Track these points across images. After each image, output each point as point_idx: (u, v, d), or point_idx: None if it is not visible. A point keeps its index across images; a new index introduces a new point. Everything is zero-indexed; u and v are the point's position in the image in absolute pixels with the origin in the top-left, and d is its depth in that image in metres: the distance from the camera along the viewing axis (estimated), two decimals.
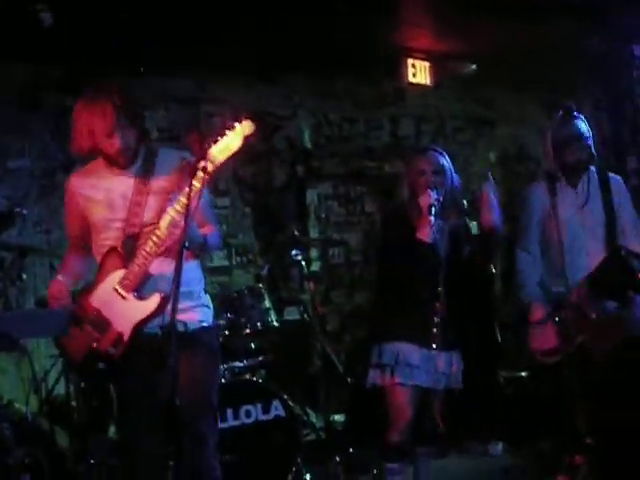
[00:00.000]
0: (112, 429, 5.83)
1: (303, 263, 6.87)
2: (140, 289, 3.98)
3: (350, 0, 6.75)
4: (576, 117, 4.97)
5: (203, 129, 7.61)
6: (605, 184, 4.98)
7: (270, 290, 6.55)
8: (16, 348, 5.48)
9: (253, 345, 6.13)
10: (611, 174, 5.10)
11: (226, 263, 7.88)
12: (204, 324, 4.21)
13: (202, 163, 3.73)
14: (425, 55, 8.50)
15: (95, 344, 3.97)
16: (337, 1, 6.67)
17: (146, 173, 4.08)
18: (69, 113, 6.76)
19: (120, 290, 3.97)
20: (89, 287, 4.12)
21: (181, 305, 3.66)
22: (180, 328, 3.96)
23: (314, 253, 8.64)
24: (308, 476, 5.81)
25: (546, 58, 7.96)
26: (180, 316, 3.83)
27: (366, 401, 6.58)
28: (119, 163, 4.10)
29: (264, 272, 6.74)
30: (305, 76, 8.59)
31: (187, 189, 3.73)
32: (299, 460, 5.75)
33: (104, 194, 4.11)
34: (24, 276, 6.22)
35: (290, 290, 8.09)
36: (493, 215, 4.75)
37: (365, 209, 9.17)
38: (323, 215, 8.86)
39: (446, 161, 5.04)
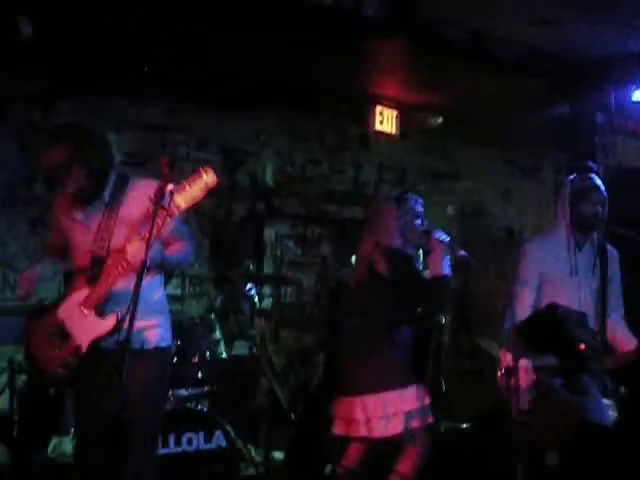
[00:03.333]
0: (52, 446, 5.78)
1: (256, 299, 6.90)
2: (101, 308, 4.18)
3: (325, 47, 6.86)
4: (594, 173, 5.07)
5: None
6: (603, 252, 5.07)
7: (221, 322, 6.56)
8: None
9: (200, 374, 6.11)
10: (609, 245, 5.17)
11: (179, 292, 7.87)
12: (161, 344, 4.39)
13: (169, 187, 3.87)
14: (394, 104, 8.61)
15: (57, 351, 4.20)
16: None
17: (115, 202, 4.31)
18: (35, 128, 6.80)
19: (82, 307, 4.18)
20: (59, 300, 4.35)
21: (140, 323, 3.95)
22: (137, 346, 4.12)
23: (267, 290, 8.65)
24: None
25: (510, 116, 8.11)
26: (138, 334, 4.08)
27: (307, 439, 6.63)
28: (81, 201, 4.33)
29: (217, 303, 6.75)
30: (274, 114, 8.65)
31: (152, 220, 3.91)
32: None
33: (82, 217, 4.35)
34: None
35: (241, 324, 8.08)
36: (442, 262, 4.81)
37: (321, 251, 9.21)
38: (279, 253, 8.89)
39: None
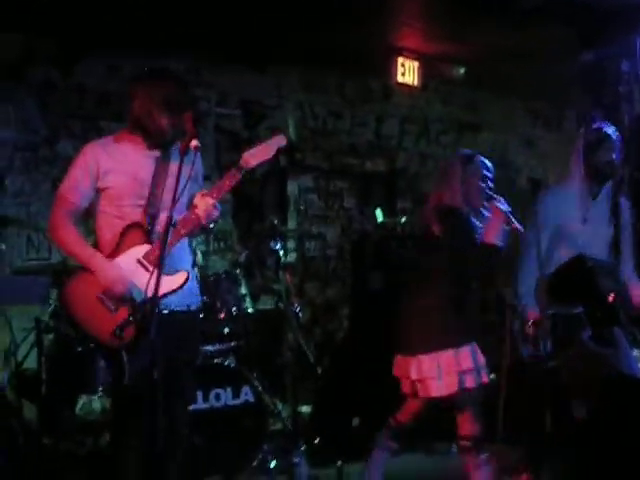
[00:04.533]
0: (80, 404, 5.82)
1: (280, 253, 6.89)
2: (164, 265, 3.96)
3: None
4: (606, 123, 5.13)
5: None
6: (617, 203, 5.06)
7: (246, 277, 6.56)
8: None
9: (227, 330, 6.12)
10: (623, 197, 5.16)
11: (203, 248, 7.88)
12: (192, 307, 4.35)
13: (194, 143, 3.86)
14: (415, 55, 8.52)
15: (112, 313, 4.02)
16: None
17: (181, 154, 3.99)
18: (54, 88, 6.79)
19: (146, 263, 4.06)
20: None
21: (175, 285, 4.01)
22: (183, 307, 4.23)
23: (291, 244, 8.66)
24: (273, 464, 5.81)
25: (534, 66, 8.02)
26: (172, 297, 4.04)
27: (334, 393, 6.66)
28: (157, 142, 4.23)
29: (242, 259, 6.74)
30: (294, 68, 8.61)
31: (224, 181, 4.07)
32: (265, 447, 5.78)
33: (131, 169, 4.20)
34: (3, 246, 6.22)
35: (266, 279, 8.10)
36: (497, 232, 4.71)
37: (344, 204, 9.20)
38: (302, 207, 8.89)
39: None
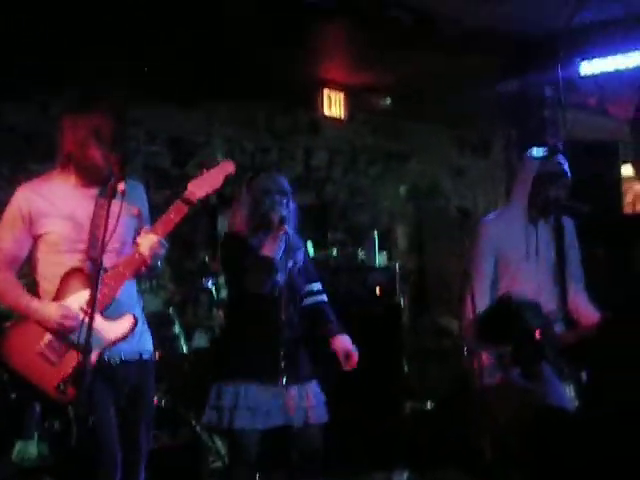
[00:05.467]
0: (16, 450, 5.71)
1: (213, 290, 6.87)
2: (107, 311, 3.80)
3: (271, 31, 6.82)
4: (561, 156, 5.00)
5: None
6: (559, 225, 5.02)
7: (180, 316, 6.52)
8: None
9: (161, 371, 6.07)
10: (564, 217, 5.14)
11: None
12: (144, 356, 4.08)
13: (121, 186, 3.68)
14: (341, 87, 8.59)
15: (53, 366, 3.75)
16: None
17: (108, 197, 3.74)
18: None
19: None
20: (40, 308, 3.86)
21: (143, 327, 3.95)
22: (147, 356, 4.05)
23: (223, 280, 8.61)
24: None
25: (458, 94, 8.12)
26: (122, 344, 3.87)
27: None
28: (92, 178, 3.91)
29: (175, 298, 6.71)
30: (222, 103, 8.60)
31: (169, 215, 3.81)
32: None
33: (67, 210, 3.90)
34: None
35: (199, 317, 8.05)
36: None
37: None
38: None
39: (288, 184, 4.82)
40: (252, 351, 4.53)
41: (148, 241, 3.78)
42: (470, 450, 4.90)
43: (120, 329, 3.79)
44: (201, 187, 3.87)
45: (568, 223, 5.10)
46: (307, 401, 4.54)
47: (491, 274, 4.91)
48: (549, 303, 4.86)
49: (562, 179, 4.91)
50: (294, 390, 4.52)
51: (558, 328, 4.85)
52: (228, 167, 3.99)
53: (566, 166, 4.94)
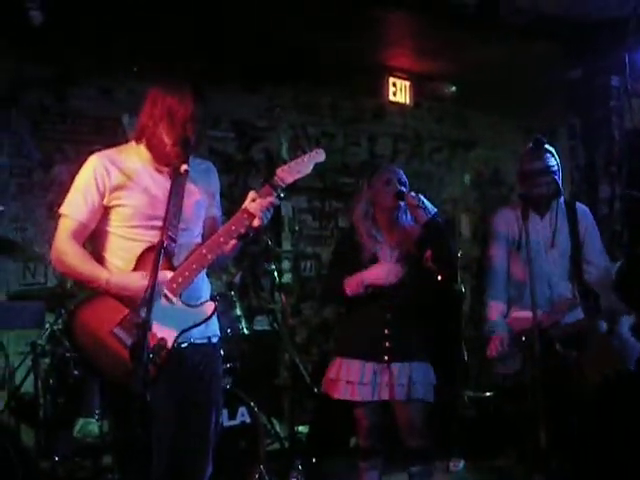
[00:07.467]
0: (77, 427, 5.82)
1: (275, 274, 6.92)
2: (184, 295, 3.69)
3: (336, 18, 6.84)
4: (546, 150, 5.00)
5: None
6: (572, 214, 5.03)
7: (241, 299, 6.57)
8: None
9: (222, 351, 6.12)
10: (578, 204, 5.15)
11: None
12: (213, 339, 4.01)
13: (184, 167, 3.64)
14: (406, 74, 8.59)
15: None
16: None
17: (183, 177, 3.73)
18: (47, 112, 6.79)
19: (167, 293, 3.63)
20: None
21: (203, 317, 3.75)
22: (204, 340, 3.92)
23: (286, 265, 8.67)
24: None
25: (525, 83, 8.06)
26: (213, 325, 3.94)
27: (331, 412, 6.65)
28: (160, 156, 3.81)
29: (236, 280, 6.75)
30: (288, 89, 8.65)
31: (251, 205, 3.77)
32: (262, 468, 5.77)
33: (145, 186, 3.79)
34: None
35: (261, 300, 8.11)
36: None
37: (338, 224, 9.22)
38: (297, 228, 8.90)
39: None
40: (360, 331, 4.87)
41: (255, 204, 3.75)
42: (526, 439, 4.89)
43: (201, 314, 3.70)
44: (290, 173, 3.84)
45: (582, 209, 5.12)
46: (408, 378, 4.74)
47: (504, 263, 4.97)
48: (564, 292, 4.88)
49: (543, 177, 4.94)
50: (396, 367, 4.75)
51: (576, 315, 4.87)
52: (319, 155, 3.94)
53: (551, 161, 4.95)
